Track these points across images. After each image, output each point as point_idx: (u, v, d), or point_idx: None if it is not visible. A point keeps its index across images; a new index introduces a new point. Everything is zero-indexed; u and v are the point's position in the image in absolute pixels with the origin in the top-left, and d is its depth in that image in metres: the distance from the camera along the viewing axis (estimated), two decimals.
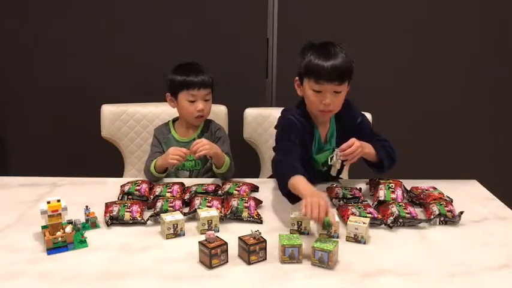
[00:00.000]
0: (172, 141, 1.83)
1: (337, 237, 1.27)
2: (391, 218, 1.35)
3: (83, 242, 1.24)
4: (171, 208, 1.39)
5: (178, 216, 1.30)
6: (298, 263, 1.15)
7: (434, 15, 2.34)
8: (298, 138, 1.54)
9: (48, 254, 1.18)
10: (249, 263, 1.15)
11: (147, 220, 1.35)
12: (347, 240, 1.27)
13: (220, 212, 1.38)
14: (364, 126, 1.68)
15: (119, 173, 2.06)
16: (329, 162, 1.56)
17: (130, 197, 1.51)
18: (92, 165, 2.07)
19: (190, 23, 2.33)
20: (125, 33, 2.34)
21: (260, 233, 1.17)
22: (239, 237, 1.18)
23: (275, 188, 1.64)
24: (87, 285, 1.06)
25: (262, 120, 2.01)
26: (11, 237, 1.28)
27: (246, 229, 1.22)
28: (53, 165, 2.15)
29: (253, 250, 1.14)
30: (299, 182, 1.30)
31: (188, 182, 1.67)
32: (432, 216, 1.38)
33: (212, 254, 1.12)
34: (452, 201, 1.50)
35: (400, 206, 1.41)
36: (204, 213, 1.32)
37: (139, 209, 1.39)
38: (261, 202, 1.50)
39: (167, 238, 1.27)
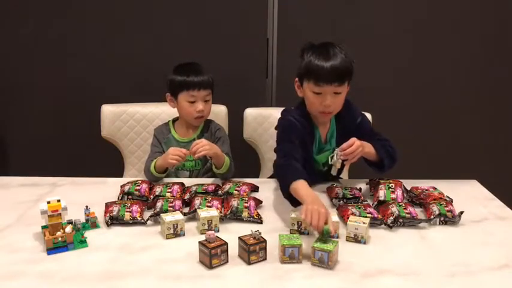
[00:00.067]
0: (172, 141, 1.83)
1: (337, 237, 1.27)
2: (391, 218, 1.35)
3: (83, 242, 1.24)
4: (171, 208, 1.39)
5: (178, 216, 1.30)
6: (298, 263, 1.15)
7: (434, 15, 2.34)
8: (298, 139, 1.54)
9: (48, 254, 1.18)
10: (249, 263, 1.15)
11: (147, 220, 1.35)
12: (347, 240, 1.27)
13: (220, 212, 1.38)
14: (364, 126, 1.68)
15: (119, 173, 2.06)
16: (329, 162, 1.56)
17: (130, 197, 1.51)
18: (92, 165, 2.07)
19: (190, 23, 2.32)
20: (125, 33, 2.34)
21: (260, 233, 1.17)
22: (239, 237, 1.18)
23: (275, 188, 1.64)
24: (87, 285, 1.06)
25: (262, 120, 2.01)
26: (11, 237, 1.28)
27: (246, 229, 1.22)
28: (53, 165, 2.15)
29: (253, 250, 1.14)
30: (301, 188, 1.31)
31: (188, 182, 1.67)
32: (432, 216, 1.38)
33: (212, 254, 1.12)
34: (452, 201, 1.50)
35: (400, 206, 1.41)
36: (204, 213, 1.32)
37: (139, 209, 1.39)
38: (261, 202, 1.50)
39: (167, 238, 1.27)
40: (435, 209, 1.40)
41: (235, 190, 1.56)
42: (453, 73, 2.43)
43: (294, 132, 1.56)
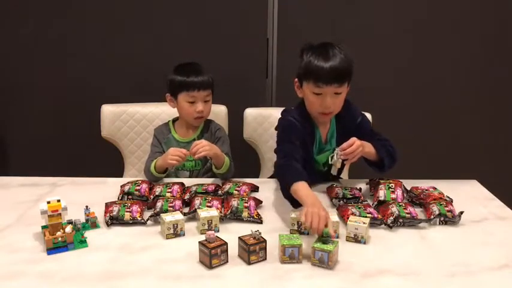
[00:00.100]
0: (172, 141, 1.83)
1: (337, 237, 1.27)
2: (391, 218, 1.35)
3: (83, 242, 1.24)
4: (171, 208, 1.39)
5: (178, 216, 1.30)
6: (298, 263, 1.15)
7: (434, 15, 2.34)
8: (299, 139, 1.54)
9: (48, 254, 1.18)
10: (249, 263, 1.15)
11: (147, 220, 1.35)
12: (347, 240, 1.27)
13: (220, 212, 1.38)
14: (364, 125, 1.68)
15: (119, 173, 2.06)
16: (329, 162, 1.55)
17: (130, 197, 1.51)
18: (92, 165, 2.07)
19: (190, 23, 2.32)
20: (125, 33, 2.34)
21: (260, 233, 1.17)
22: (239, 237, 1.18)
23: (275, 188, 1.64)
24: (87, 285, 1.06)
25: (262, 120, 2.01)
26: (11, 237, 1.28)
27: (246, 229, 1.22)
28: (53, 165, 2.15)
29: (253, 250, 1.14)
30: (301, 189, 1.31)
31: (188, 182, 1.67)
32: (432, 216, 1.38)
33: (212, 254, 1.12)
34: (452, 201, 1.50)
35: (400, 206, 1.41)
36: (204, 213, 1.32)
37: (139, 209, 1.39)
38: (261, 202, 1.50)
39: (167, 238, 1.27)
40: (435, 209, 1.40)
41: (235, 190, 1.56)
42: (453, 73, 2.43)
43: (294, 132, 1.56)
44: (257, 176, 2.06)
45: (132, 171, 2.05)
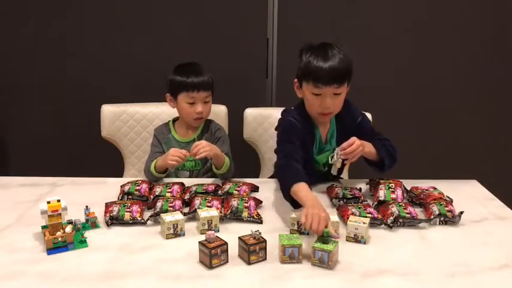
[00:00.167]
0: (173, 141, 1.83)
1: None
2: (391, 218, 1.35)
3: (83, 242, 1.24)
4: (171, 208, 1.39)
5: (178, 216, 1.30)
6: (298, 263, 1.15)
7: (434, 15, 2.34)
8: (299, 139, 1.54)
9: (48, 254, 1.18)
10: (249, 263, 1.15)
11: (147, 220, 1.35)
12: (347, 240, 1.27)
13: (220, 212, 1.38)
14: (365, 125, 1.68)
15: (119, 173, 2.06)
16: (329, 161, 1.55)
17: (130, 197, 1.51)
18: (92, 165, 2.07)
19: (190, 23, 2.33)
20: (125, 33, 2.34)
21: (260, 233, 1.17)
22: (239, 237, 1.18)
23: (275, 188, 1.64)
24: (87, 285, 1.06)
25: (262, 120, 2.01)
26: (11, 237, 1.28)
27: (246, 229, 1.22)
28: (53, 165, 2.15)
29: (253, 250, 1.14)
30: (301, 190, 1.31)
31: (188, 182, 1.67)
32: (432, 216, 1.38)
33: (212, 254, 1.12)
34: (452, 201, 1.50)
35: (400, 206, 1.41)
36: (204, 213, 1.32)
37: (139, 209, 1.39)
38: (261, 202, 1.50)
39: (167, 238, 1.27)
40: (435, 209, 1.40)
41: (235, 190, 1.56)
42: (453, 73, 2.43)
43: (294, 132, 1.56)
44: (257, 176, 2.06)
45: (132, 171, 2.05)
